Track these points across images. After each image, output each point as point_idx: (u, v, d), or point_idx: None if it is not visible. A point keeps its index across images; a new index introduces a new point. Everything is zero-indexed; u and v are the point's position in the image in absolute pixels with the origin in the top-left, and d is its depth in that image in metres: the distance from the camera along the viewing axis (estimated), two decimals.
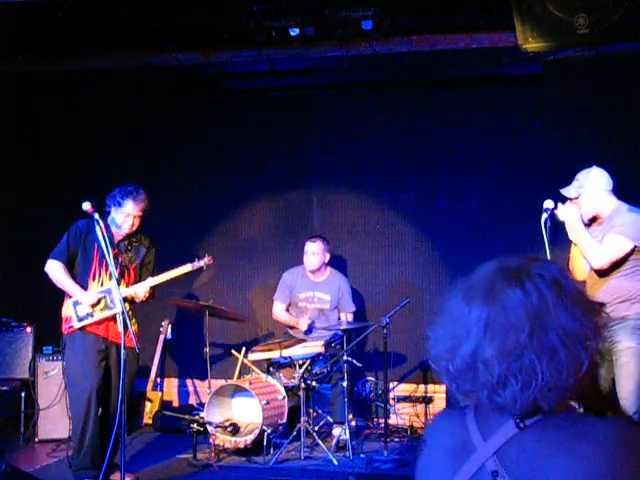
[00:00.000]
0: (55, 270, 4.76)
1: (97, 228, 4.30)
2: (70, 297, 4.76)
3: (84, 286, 4.75)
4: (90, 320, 4.70)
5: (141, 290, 4.78)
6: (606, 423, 1.25)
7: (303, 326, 6.08)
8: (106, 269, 4.70)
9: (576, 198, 4.35)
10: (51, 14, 5.56)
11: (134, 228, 4.84)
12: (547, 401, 1.26)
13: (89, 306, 4.68)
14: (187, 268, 4.94)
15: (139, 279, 4.89)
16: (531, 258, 1.37)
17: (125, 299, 4.73)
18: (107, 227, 4.71)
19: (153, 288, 4.85)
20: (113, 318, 4.69)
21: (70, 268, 4.79)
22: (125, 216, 4.77)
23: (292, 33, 5.57)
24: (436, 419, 1.48)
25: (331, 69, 6.68)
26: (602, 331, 1.30)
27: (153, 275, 4.93)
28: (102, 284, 4.75)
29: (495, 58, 6.21)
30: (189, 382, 7.01)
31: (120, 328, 4.34)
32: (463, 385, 1.34)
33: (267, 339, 6.38)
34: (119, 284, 4.60)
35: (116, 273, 4.51)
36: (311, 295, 6.22)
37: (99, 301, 4.69)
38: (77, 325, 4.70)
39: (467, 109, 6.66)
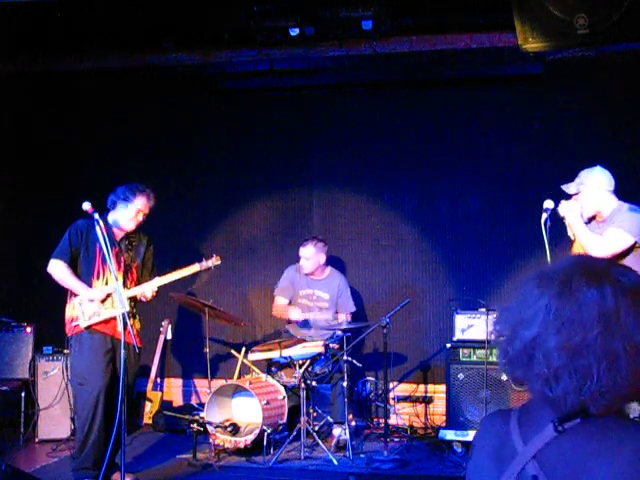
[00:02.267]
0: (59, 270, 4.75)
1: (97, 228, 4.30)
2: (74, 297, 4.75)
3: (88, 285, 4.75)
4: (97, 319, 4.69)
5: (149, 290, 4.78)
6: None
7: (294, 315, 6.04)
8: (109, 269, 4.70)
9: (576, 194, 4.36)
10: (51, 14, 5.56)
11: (138, 225, 4.84)
12: (596, 405, 1.25)
13: (98, 302, 4.67)
14: (195, 268, 4.94)
15: (141, 277, 4.90)
16: (613, 262, 1.37)
17: (130, 298, 4.74)
18: (107, 226, 4.70)
19: (159, 289, 4.86)
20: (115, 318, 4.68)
21: (73, 268, 4.79)
22: (136, 211, 4.78)
23: (292, 33, 5.57)
24: (483, 422, 1.48)
25: (331, 69, 6.68)
26: None
27: (153, 272, 4.93)
28: (107, 283, 4.74)
29: (495, 58, 6.20)
30: (189, 382, 7.01)
31: (122, 327, 4.35)
32: (516, 370, 1.33)
33: (267, 339, 6.37)
34: (124, 284, 4.61)
35: (119, 272, 4.51)
36: (310, 293, 6.22)
37: (107, 297, 4.69)
38: (84, 324, 4.69)
39: (467, 109, 6.66)
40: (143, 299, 4.84)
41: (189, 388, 7.00)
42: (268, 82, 7.01)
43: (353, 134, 6.89)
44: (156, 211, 5.07)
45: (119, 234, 4.86)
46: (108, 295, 4.71)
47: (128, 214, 4.78)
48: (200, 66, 6.53)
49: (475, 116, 6.64)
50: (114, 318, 4.68)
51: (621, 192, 4.43)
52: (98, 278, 4.77)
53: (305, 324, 6.14)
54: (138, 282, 4.85)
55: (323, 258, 6.18)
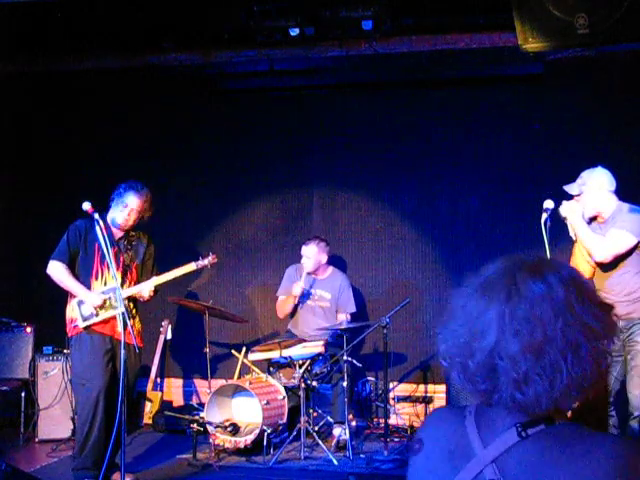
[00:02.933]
0: (57, 271, 4.76)
1: (97, 228, 4.30)
2: (73, 297, 4.76)
3: (87, 286, 4.75)
4: (95, 319, 4.70)
5: (146, 289, 4.79)
6: (608, 443, 1.21)
7: (297, 291, 6.02)
8: (108, 268, 4.70)
9: (578, 195, 4.36)
10: (51, 14, 5.56)
11: (129, 223, 4.82)
12: (568, 401, 1.24)
13: (94, 307, 4.68)
14: (191, 267, 4.95)
15: (141, 277, 4.90)
16: (544, 257, 1.35)
17: (129, 298, 4.74)
18: (106, 226, 4.71)
19: (156, 286, 4.86)
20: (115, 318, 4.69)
21: (72, 268, 4.79)
22: (123, 207, 4.78)
23: (292, 33, 5.57)
24: (433, 417, 1.43)
25: (331, 69, 6.68)
26: (614, 332, 1.28)
27: (153, 272, 4.93)
28: (105, 283, 4.75)
29: (495, 58, 6.20)
30: (189, 382, 7.01)
31: (121, 328, 4.35)
32: (481, 385, 1.29)
33: (267, 339, 6.37)
34: (123, 284, 4.61)
35: (118, 272, 4.51)
36: (312, 292, 6.22)
37: (104, 302, 4.69)
38: (82, 325, 4.69)
39: (467, 109, 6.66)
40: (141, 299, 4.84)
41: (189, 388, 7.00)
42: (268, 82, 7.01)
43: (353, 134, 6.89)
44: (156, 211, 5.07)
45: (118, 234, 4.86)
46: (105, 299, 4.71)
47: (119, 210, 4.80)
48: (200, 66, 6.53)
49: (475, 116, 6.64)
50: (113, 318, 4.69)
51: (621, 192, 4.43)
52: (97, 278, 4.77)
53: (306, 295, 6.10)
54: (138, 282, 4.85)
55: (325, 258, 6.18)
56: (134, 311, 4.85)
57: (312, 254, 6.10)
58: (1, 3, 5.16)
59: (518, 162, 6.50)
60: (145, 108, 7.07)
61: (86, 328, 4.70)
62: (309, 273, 6.17)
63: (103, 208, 4.77)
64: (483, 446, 1.27)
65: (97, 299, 4.67)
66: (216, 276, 7.02)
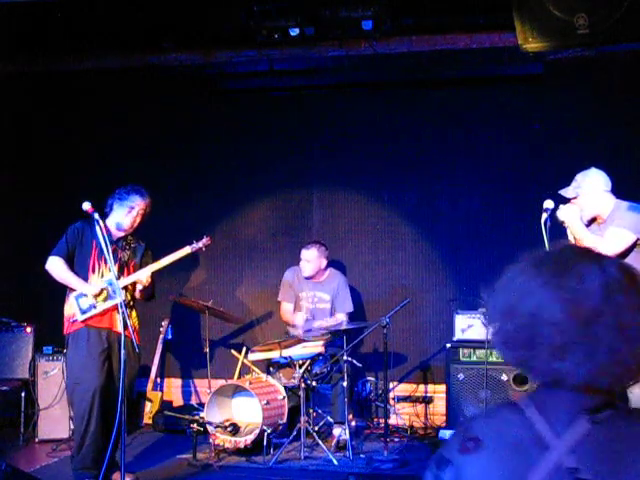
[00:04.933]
0: (56, 265, 4.79)
1: (97, 227, 4.31)
2: (71, 292, 4.77)
3: (84, 279, 4.77)
4: (94, 311, 4.71)
5: (143, 276, 4.79)
6: None
7: (299, 321, 6.06)
8: (105, 262, 4.72)
9: (574, 198, 4.36)
10: (51, 14, 5.56)
11: (134, 225, 4.87)
12: (608, 377, 1.23)
13: (92, 296, 4.69)
14: (186, 250, 4.98)
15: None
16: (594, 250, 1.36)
17: (126, 289, 4.76)
18: (106, 228, 4.71)
19: (154, 279, 4.86)
20: (116, 308, 4.67)
21: (69, 265, 4.81)
22: (129, 209, 4.82)
23: (292, 33, 5.57)
24: (487, 414, 1.41)
25: (331, 69, 6.67)
26: None
27: (152, 277, 4.91)
28: (102, 276, 4.77)
29: (495, 58, 6.20)
30: (189, 382, 7.01)
31: (120, 319, 4.36)
32: (517, 349, 1.27)
33: (267, 339, 6.37)
34: (119, 278, 4.62)
35: (115, 267, 4.53)
36: (312, 295, 6.22)
37: (101, 291, 4.71)
38: (81, 318, 4.71)
39: (467, 109, 6.66)
40: (138, 288, 4.83)
41: (189, 388, 7.00)
42: (268, 82, 7.00)
43: (353, 134, 6.89)
44: (156, 211, 5.08)
45: (117, 234, 4.88)
46: (103, 289, 4.72)
47: (124, 212, 4.83)
48: (200, 66, 6.53)
49: (475, 116, 6.64)
50: (111, 310, 4.71)
51: (621, 192, 4.43)
52: (94, 272, 4.79)
53: (308, 329, 6.13)
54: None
55: (324, 262, 6.19)
56: (132, 303, 4.87)
57: (312, 258, 6.11)
58: (1, 3, 5.16)
59: (518, 162, 6.50)
60: (145, 108, 7.07)
61: (84, 323, 4.71)
62: (307, 277, 6.17)
63: (103, 209, 4.78)
64: (555, 436, 1.25)
65: (94, 288, 4.69)
66: (216, 276, 7.02)
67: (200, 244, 5.03)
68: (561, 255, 1.31)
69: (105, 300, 4.72)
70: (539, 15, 4.99)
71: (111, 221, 4.86)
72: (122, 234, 4.88)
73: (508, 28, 5.34)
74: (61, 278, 4.80)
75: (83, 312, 4.72)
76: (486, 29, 5.79)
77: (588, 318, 1.22)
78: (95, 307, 4.71)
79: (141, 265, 4.94)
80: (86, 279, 4.77)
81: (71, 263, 4.83)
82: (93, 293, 4.69)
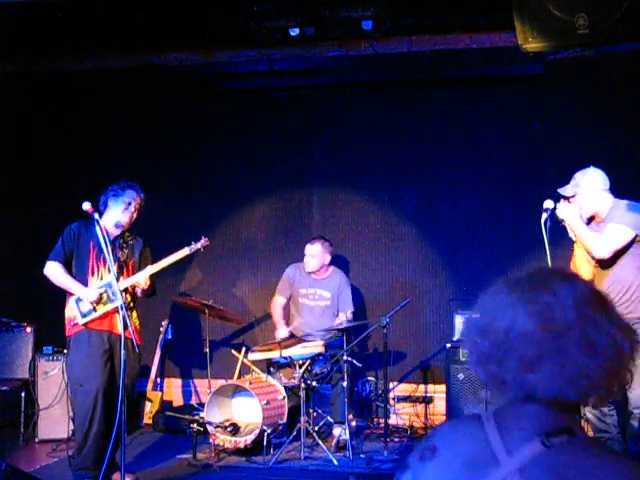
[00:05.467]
0: (54, 270, 4.78)
1: (97, 227, 4.30)
2: (71, 296, 4.76)
3: (84, 283, 4.76)
4: (94, 315, 4.70)
5: (142, 279, 4.78)
6: (627, 465, 1.22)
7: (280, 334, 6.07)
8: (104, 264, 4.72)
9: (573, 197, 4.37)
10: (51, 14, 5.56)
11: (132, 220, 4.85)
12: (574, 390, 1.25)
13: (90, 302, 4.69)
14: (185, 252, 4.95)
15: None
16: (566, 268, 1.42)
17: (126, 290, 4.75)
18: (102, 225, 4.70)
19: (153, 279, 4.85)
20: (117, 310, 4.67)
21: (68, 269, 4.80)
22: (127, 205, 4.79)
23: (292, 33, 5.57)
24: (446, 424, 1.42)
25: (331, 69, 6.67)
26: (634, 343, 1.29)
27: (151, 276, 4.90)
28: (102, 278, 4.76)
29: (495, 58, 6.20)
30: (189, 382, 7.01)
31: (120, 321, 4.35)
32: (491, 365, 1.30)
33: (267, 339, 6.37)
34: (118, 279, 4.61)
35: (115, 267, 4.52)
36: (312, 292, 6.22)
37: (100, 296, 4.70)
38: (82, 322, 4.70)
39: (467, 109, 6.66)
40: (138, 290, 4.83)
41: (189, 388, 7.00)
42: (268, 82, 7.00)
43: (353, 134, 6.89)
44: (156, 211, 5.08)
45: (114, 233, 4.86)
46: (101, 293, 4.71)
47: (121, 209, 4.80)
48: (200, 66, 6.53)
49: (475, 116, 6.64)
50: (111, 312, 4.70)
51: (622, 192, 4.43)
52: (93, 274, 4.78)
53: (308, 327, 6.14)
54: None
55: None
56: (132, 304, 4.86)
57: (317, 252, 6.12)
58: (1, 3, 5.16)
59: (518, 162, 6.50)
60: (145, 108, 7.07)
61: (85, 326, 4.71)
62: (310, 273, 6.18)
63: (98, 209, 4.76)
64: (507, 454, 1.26)
65: (93, 294, 4.67)
66: (216, 276, 7.02)
67: (198, 245, 5.02)
68: (536, 274, 1.35)
69: (105, 303, 4.71)
70: (539, 15, 4.99)
71: (108, 219, 4.82)
72: (119, 231, 4.87)
73: (508, 28, 5.34)
74: (60, 283, 4.79)
75: (83, 315, 4.71)
76: (486, 29, 5.79)
77: (559, 331, 1.25)
78: (95, 310, 4.70)
79: (140, 263, 4.93)
80: (85, 282, 4.76)
81: (70, 266, 4.81)
82: (91, 300, 4.67)
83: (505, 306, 1.30)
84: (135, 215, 4.86)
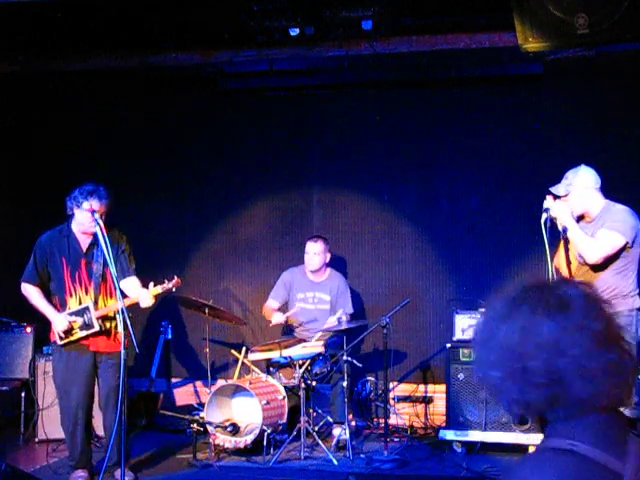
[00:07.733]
0: (28, 294, 4.75)
1: (97, 228, 4.29)
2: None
3: (63, 304, 4.68)
4: (71, 339, 4.65)
5: (112, 308, 4.64)
6: None
7: (275, 319, 6.02)
8: (80, 284, 4.62)
9: (565, 196, 4.38)
10: (50, 14, 5.56)
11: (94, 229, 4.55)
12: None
13: (61, 332, 4.61)
14: (157, 290, 4.73)
15: (119, 272, 4.65)
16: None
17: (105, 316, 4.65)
18: (72, 236, 4.64)
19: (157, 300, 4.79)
20: (97, 334, 4.62)
21: (46, 287, 4.74)
22: (88, 214, 4.52)
23: (292, 33, 5.56)
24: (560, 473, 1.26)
25: (331, 69, 6.68)
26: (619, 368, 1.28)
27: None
28: (79, 300, 4.66)
29: (495, 58, 6.21)
30: (189, 382, 7.00)
31: (121, 328, 4.34)
32: (542, 387, 1.25)
33: (267, 339, 6.37)
34: (97, 301, 4.56)
35: (89, 285, 4.48)
36: (311, 295, 6.22)
37: (71, 326, 4.60)
38: (60, 343, 4.67)
39: (467, 109, 6.66)
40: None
41: (189, 388, 7.00)
42: (268, 82, 7.00)
43: (353, 134, 6.89)
44: (155, 211, 5.07)
45: (86, 241, 4.70)
46: (71, 322, 4.60)
47: (84, 218, 4.58)
48: (200, 66, 6.53)
49: (475, 116, 6.64)
50: (91, 335, 4.63)
51: (622, 192, 4.45)
52: (71, 295, 4.68)
53: (290, 332, 6.13)
54: (115, 289, 4.52)
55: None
56: (112, 325, 4.67)
57: (319, 250, 6.12)
58: (1, 3, 5.15)
59: (518, 162, 6.49)
60: (145, 108, 7.06)
61: (65, 345, 4.67)
62: (312, 272, 6.17)
63: (65, 212, 4.72)
64: (621, 463, 1.22)
65: (61, 325, 4.57)
66: (216, 276, 7.02)
67: (170, 285, 4.77)
68: (542, 286, 1.34)
69: (82, 329, 4.62)
70: (539, 15, 4.98)
71: (76, 226, 4.68)
72: (89, 239, 4.70)
73: (508, 28, 5.34)
74: (35, 307, 4.73)
75: (61, 338, 4.65)
76: (486, 29, 5.78)
77: (599, 345, 1.25)
78: (72, 335, 4.64)
79: (121, 267, 4.70)
80: (64, 304, 4.67)
81: (47, 283, 4.72)
82: (59, 330, 4.58)
83: (536, 339, 1.27)
84: (102, 219, 4.51)
